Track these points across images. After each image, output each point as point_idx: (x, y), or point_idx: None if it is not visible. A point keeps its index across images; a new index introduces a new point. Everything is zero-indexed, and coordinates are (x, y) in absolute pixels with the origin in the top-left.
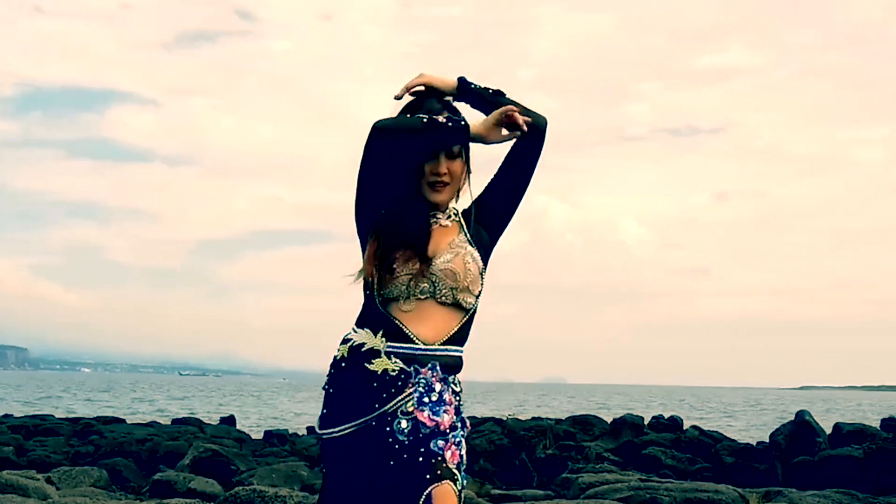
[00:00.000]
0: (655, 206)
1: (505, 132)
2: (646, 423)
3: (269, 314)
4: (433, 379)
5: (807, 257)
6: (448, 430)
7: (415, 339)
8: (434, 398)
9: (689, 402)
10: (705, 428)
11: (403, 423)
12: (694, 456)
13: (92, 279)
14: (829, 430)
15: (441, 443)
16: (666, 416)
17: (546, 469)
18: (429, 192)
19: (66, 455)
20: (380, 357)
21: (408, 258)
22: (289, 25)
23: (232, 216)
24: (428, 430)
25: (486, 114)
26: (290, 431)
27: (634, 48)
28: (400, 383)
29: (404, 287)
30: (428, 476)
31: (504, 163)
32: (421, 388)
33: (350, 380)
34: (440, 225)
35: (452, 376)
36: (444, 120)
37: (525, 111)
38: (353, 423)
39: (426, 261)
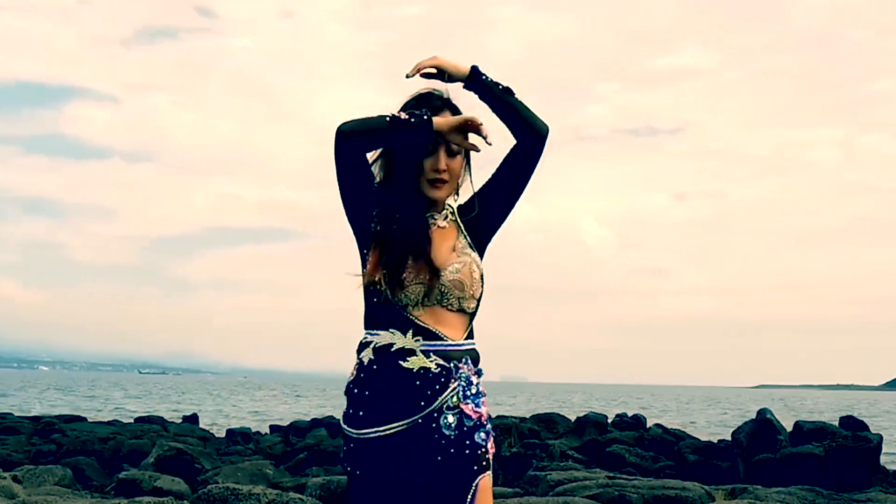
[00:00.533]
0: (615, 207)
1: (466, 141)
2: (609, 421)
3: (229, 312)
4: (469, 373)
5: (763, 257)
6: (486, 422)
7: (444, 336)
8: (473, 391)
9: (648, 400)
10: (667, 426)
11: (450, 418)
12: (657, 454)
13: (50, 276)
14: (789, 429)
15: (483, 435)
16: (629, 414)
17: (511, 467)
18: (428, 189)
19: (28, 454)
20: (415, 355)
21: (419, 270)
22: (249, 23)
23: (191, 213)
24: (471, 423)
25: (493, 108)
26: (253, 430)
27: (593, 49)
28: (443, 379)
29: (413, 296)
30: (476, 468)
31: (503, 164)
32: (463, 383)
33: (385, 380)
34: (438, 226)
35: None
36: (407, 116)
37: (531, 115)
38: (402, 423)
39: (436, 274)
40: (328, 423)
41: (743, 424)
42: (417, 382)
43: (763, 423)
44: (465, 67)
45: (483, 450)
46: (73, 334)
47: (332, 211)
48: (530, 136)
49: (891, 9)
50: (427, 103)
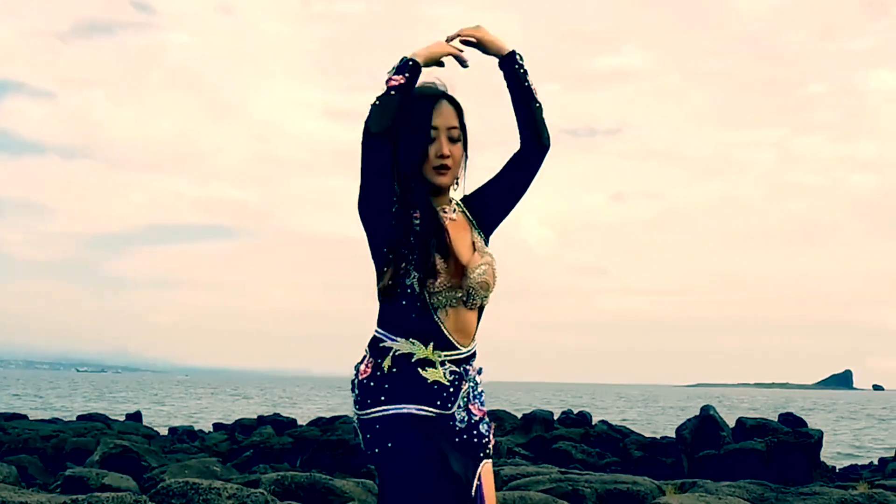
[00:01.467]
0: (555, 206)
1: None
2: (556, 418)
3: (168, 310)
4: (474, 372)
5: (699, 258)
6: (486, 417)
7: (459, 345)
8: (479, 391)
9: (588, 398)
10: (612, 423)
11: (463, 414)
12: (603, 450)
13: None
14: (732, 425)
15: (485, 427)
16: (575, 411)
17: None
18: (434, 176)
19: None
20: (434, 367)
21: (451, 274)
22: (187, 18)
23: (130, 210)
24: (477, 418)
25: (514, 97)
26: (196, 428)
27: (533, 50)
28: (457, 383)
29: (443, 298)
30: (482, 454)
31: (506, 168)
32: (471, 384)
33: (404, 384)
34: (450, 218)
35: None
36: (398, 75)
37: (542, 121)
38: (419, 408)
39: (466, 274)
40: (274, 420)
41: (686, 421)
42: (435, 387)
43: (706, 420)
44: (505, 46)
45: (486, 439)
46: (10, 332)
47: (272, 209)
48: (535, 140)
49: (826, 12)
50: (425, 92)
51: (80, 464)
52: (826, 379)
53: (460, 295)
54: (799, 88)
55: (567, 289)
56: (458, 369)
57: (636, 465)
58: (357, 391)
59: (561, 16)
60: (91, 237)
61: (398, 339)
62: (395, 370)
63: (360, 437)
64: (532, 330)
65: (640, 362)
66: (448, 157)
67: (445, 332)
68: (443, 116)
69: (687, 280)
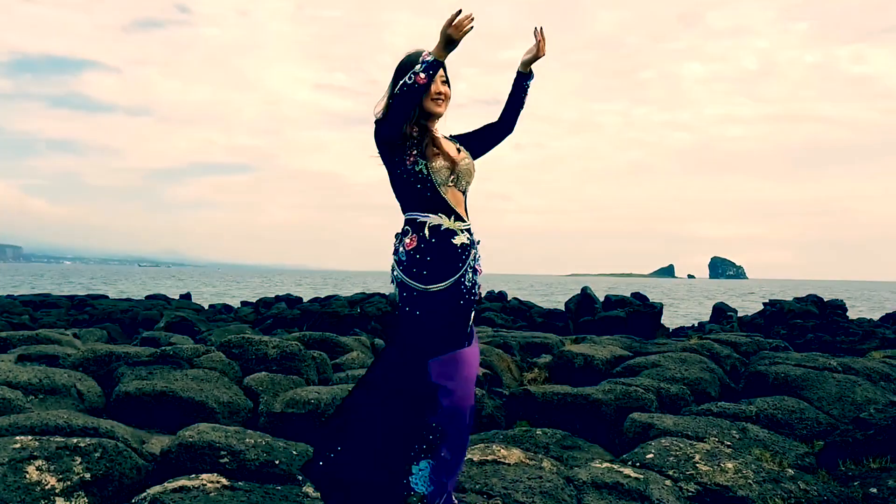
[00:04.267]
0: None
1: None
2: (483, 295)
3: (205, 222)
4: (475, 242)
5: (570, 188)
6: (480, 273)
7: (464, 218)
8: (478, 255)
9: (499, 284)
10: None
11: (470, 274)
12: (515, 317)
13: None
14: (602, 299)
15: (478, 287)
16: (496, 290)
17: None
18: (433, 106)
19: (68, 322)
20: (458, 235)
21: (445, 157)
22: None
23: (180, 151)
24: (478, 277)
25: (513, 98)
26: (230, 303)
27: (461, 44)
28: (469, 248)
29: (443, 176)
30: (474, 306)
31: (480, 133)
32: (476, 249)
33: (440, 250)
34: (442, 136)
35: None
36: (421, 72)
37: (516, 121)
38: (451, 279)
39: (456, 162)
40: (286, 298)
41: (572, 297)
42: (459, 250)
43: (585, 296)
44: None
45: (476, 294)
46: (89, 238)
47: (277, 152)
48: (508, 129)
49: (654, 21)
50: (419, 56)
51: (149, 329)
52: (657, 270)
53: (453, 177)
54: (637, 73)
55: (481, 210)
56: (471, 236)
57: (539, 327)
58: (405, 259)
59: (478, 20)
60: (149, 171)
61: (428, 214)
62: (433, 240)
63: (398, 291)
64: None
65: (531, 258)
66: (443, 93)
67: (452, 206)
68: None
69: (561, 203)
